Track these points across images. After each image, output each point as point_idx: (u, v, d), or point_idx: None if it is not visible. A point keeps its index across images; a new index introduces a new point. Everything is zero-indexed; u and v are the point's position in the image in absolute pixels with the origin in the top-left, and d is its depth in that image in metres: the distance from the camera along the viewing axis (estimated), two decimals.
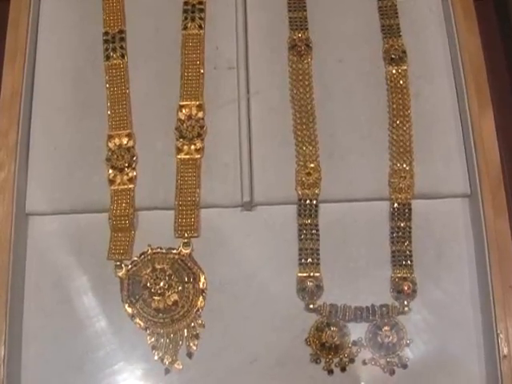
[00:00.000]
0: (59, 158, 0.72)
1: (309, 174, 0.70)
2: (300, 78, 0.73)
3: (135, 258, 0.69)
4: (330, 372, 0.67)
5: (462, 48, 0.74)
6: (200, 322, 0.68)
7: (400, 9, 0.76)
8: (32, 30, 0.75)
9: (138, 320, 0.68)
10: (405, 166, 0.70)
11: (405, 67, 0.74)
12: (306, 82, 0.73)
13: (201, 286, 0.68)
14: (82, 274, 0.70)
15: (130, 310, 0.68)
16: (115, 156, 0.71)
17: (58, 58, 0.75)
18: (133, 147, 0.72)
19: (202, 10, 0.76)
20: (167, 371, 0.67)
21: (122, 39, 0.75)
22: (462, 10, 0.75)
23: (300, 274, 0.68)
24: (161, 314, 0.68)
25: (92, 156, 0.72)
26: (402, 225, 0.69)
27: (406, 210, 0.70)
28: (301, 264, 0.69)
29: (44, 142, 0.72)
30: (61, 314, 0.68)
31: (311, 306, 0.67)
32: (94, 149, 0.72)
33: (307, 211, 0.70)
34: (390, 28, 0.75)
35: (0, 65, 0.74)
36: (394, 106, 0.72)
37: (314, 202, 0.70)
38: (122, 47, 0.75)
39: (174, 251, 0.69)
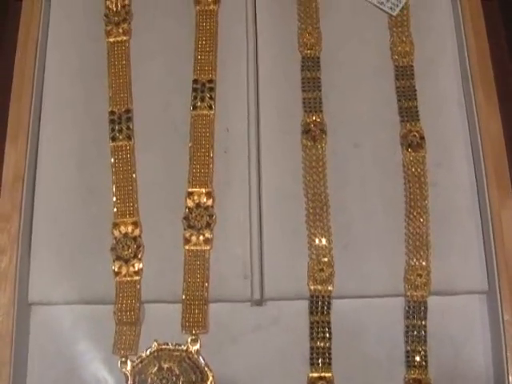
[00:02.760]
0: (63, 246, 0.69)
1: (322, 270, 0.67)
2: (313, 164, 0.70)
3: (141, 354, 0.67)
4: None
5: (482, 132, 0.71)
6: None
7: (418, 90, 0.72)
8: (35, 108, 0.72)
9: None
10: (421, 261, 0.68)
11: (423, 154, 0.71)
12: (320, 169, 0.70)
13: None
14: (86, 369, 0.68)
15: None
16: (120, 245, 0.69)
17: (62, 138, 0.72)
18: (139, 236, 0.69)
19: (212, 89, 0.72)
20: None
21: (129, 119, 0.72)
22: (483, 90, 0.72)
23: (311, 375, 0.66)
24: None
25: (97, 244, 0.69)
26: (417, 323, 0.67)
27: (422, 309, 0.67)
28: (312, 364, 0.66)
29: (47, 228, 0.70)
30: None
31: None
32: (98, 236, 0.70)
33: (319, 308, 0.67)
34: (408, 111, 0.72)
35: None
36: (412, 196, 0.69)
37: (327, 298, 0.67)
38: (128, 128, 0.71)
39: (182, 347, 0.67)
